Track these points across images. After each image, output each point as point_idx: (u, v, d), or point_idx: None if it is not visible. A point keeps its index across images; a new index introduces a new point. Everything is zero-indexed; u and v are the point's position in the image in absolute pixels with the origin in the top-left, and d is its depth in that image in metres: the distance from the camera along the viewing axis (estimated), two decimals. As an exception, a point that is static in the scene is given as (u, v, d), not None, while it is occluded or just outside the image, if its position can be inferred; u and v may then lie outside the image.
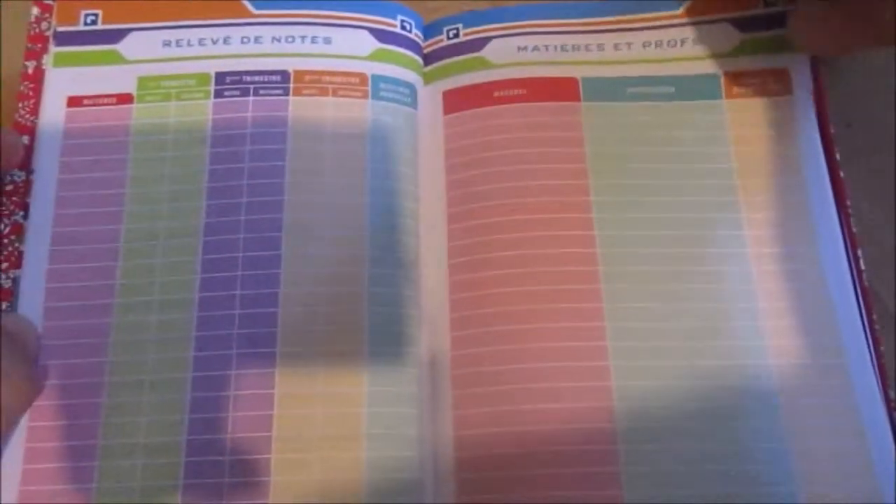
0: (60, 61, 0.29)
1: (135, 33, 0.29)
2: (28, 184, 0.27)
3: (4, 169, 0.27)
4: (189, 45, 0.29)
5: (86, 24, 0.29)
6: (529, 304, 0.26)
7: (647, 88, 0.29)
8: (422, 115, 0.29)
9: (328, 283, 0.27)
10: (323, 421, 0.25)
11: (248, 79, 0.29)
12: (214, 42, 0.29)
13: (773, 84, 0.29)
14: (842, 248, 0.27)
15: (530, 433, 0.25)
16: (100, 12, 0.29)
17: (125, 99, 0.29)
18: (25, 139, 0.28)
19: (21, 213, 0.27)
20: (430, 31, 0.31)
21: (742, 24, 0.29)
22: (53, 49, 0.29)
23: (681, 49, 0.29)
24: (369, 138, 0.28)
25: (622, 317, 0.26)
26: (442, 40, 0.30)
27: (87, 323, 0.26)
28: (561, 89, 0.29)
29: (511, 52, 0.30)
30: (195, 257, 0.27)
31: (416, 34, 0.30)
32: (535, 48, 0.30)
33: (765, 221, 0.27)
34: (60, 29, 0.29)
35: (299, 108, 0.28)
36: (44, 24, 0.29)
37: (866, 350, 0.26)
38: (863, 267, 0.27)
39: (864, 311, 0.26)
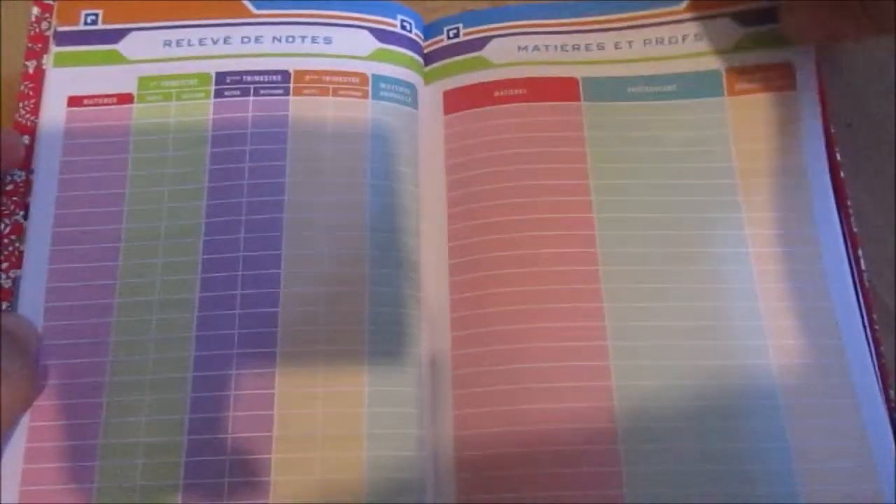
0: (61, 61, 0.29)
1: (135, 33, 0.29)
2: (28, 183, 0.27)
3: (5, 169, 0.27)
4: (189, 44, 0.29)
5: (86, 23, 0.29)
6: (530, 304, 0.26)
7: (648, 87, 0.29)
8: (422, 115, 0.29)
9: (328, 282, 0.27)
10: (323, 421, 0.25)
11: (249, 79, 0.29)
12: (215, 42, 0.29)
13: (776, 79, 0.28)
14: (843, 248, 0.27)
15: (531, 433, 0.25)
16: (100, 12, 0.29)
17: (125, 99, 0.29)
18: (26, 139, 0.28)
19: (21, 212, 0.27)
20: (430, 30, 0.31)
21: (743, 19, 0.29)
22: (54, 49, 0.29)
23: (682, 46, 0.29)
24: (370, 138, 0.28)
25: (623, 316, 0.26)
26: (442, 40, 0.30)
27: (87, 323, 0.26)
28: (561, 89, 0.29)
29: (511, 52, 0.30)
30: (195, 257, 0.27)
31: (416, 34, 0.30)
32: (536, 48, 0.30)
33: (766, 220, 0.27)
34: (61, 29, 0.29)
35: (300, 107, 0.28)
36: (44, 24, 0.29)
37: (867, 350, 0.25)
38: (863, 267, 0.27)
39: (864, 311, 0.26)
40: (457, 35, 0.30)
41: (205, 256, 0.27)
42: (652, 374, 0.25)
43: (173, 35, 0.29)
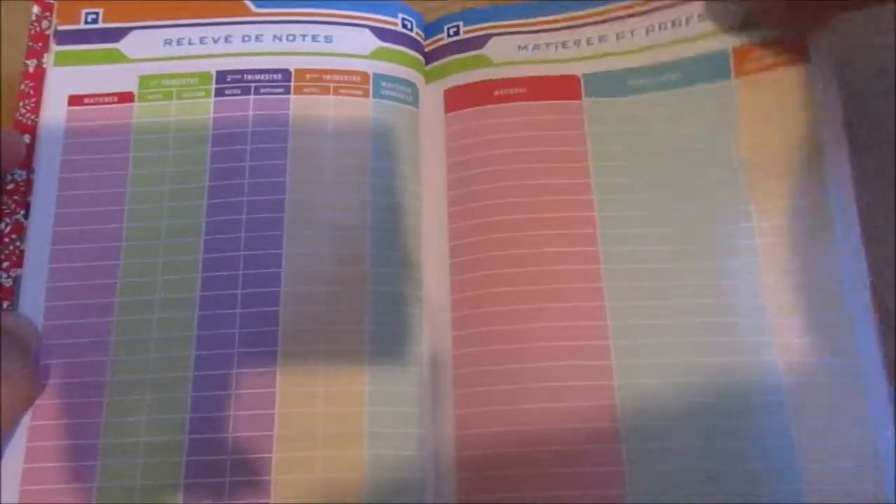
0: (61, 60, 0.29)
1: (136, 32, 0.29)
2: (29, 183, 0.27)
3: (5, 168, 0.27)
4: (190, 43, 0.29)
5: (87, 22, 0.29)
6: (531, 303, 0.26)
7: (652, 78, 0.28)
8: (423, 114, 0.29)
9: (329, 281, 0.27)
10: (324, 420, 0.25)
11: (249, 77, 0.29)
12: (215, 41, 0.29)
13: (787, 53, 0.27)
14: (860, 242, 0.25)
15: (532, 432, 0.25)
16: (101, 11, 0.29)
17: (126, 97, 0.29)
18: (26, 138, 0.28)
19: (22, 211, 0.27)
20: (431, 29, 0.31)
21: None
22: (54, 48, 0.29)
23: (685, 28, 0.28)
24: (370, 137, 0.28)
25: (624, 315, 0.26)
26: (443, 38, 0.30)
27: (88, 322, 0.26)
28: (562, 87, 0.29)
29: (511, 51, 0.29)
30: (196, 256, 0.27)
31: (417, 32, 0.30)
32: (536, 47, 0.30)
33: (775, 211, 0.26)
34: (61, 27, 0.29)
35: (300, 106, 0.28)
36: (44, 23, 0.29)
37: (879, 351, 0.24)
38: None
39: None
40: (457, 33, 0.30)
41: (205, 255, 0.27)
42: (654, 373, 0.25)
43: (174, 34, 0.29)
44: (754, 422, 0.24)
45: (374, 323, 0.26)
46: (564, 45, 0.29)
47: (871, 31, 0.31)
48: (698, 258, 0.26)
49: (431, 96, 0.30)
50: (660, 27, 0.29)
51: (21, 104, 0.28)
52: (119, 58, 0.29)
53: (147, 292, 0.26)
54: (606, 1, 0.29)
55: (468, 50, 0.30)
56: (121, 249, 0.27)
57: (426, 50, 0.31)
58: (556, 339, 0.26)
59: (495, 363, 0.26)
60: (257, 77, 0.29)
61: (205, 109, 0.28)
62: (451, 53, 0.30)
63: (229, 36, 0.29)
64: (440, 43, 0.30)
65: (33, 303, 0.26)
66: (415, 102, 0.29)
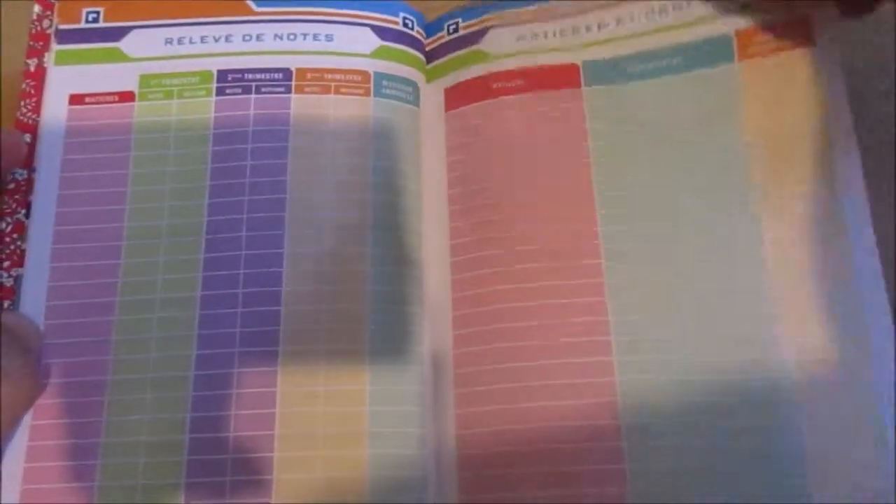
0: (62, 59, 0.29)
1: (136, 31, 0.29)
2: (30, 182, 0.27)
3: (6, 167, 0.27)
4: (191, 42, 0.29)
5: (87, 21, 0.29)
6: (532, 301, 0.26)
7: (653, 64, 0.28)
8: (424, 113, 0.29)
9: (330, 281, 0.26)
10: (325, 419, 0.25)
11: (250, 76, 0.29)
12: (216, 40, 0.29)
13: (793, 35, 0.26)
14: (871, 232, 0.24)
15: (533, 431, 0.25)
16: (101, 10, 0.29)
17: (127, 97, 0.28)
18: (27, 137, 0.28)
19: (23, 211, 0.27)
20: (432, 28, 0.31)
21: None
22: (55, 47, 0.29)
23: (687, 11, 0.28)
24: (372, 136, 0.28)
25: (626, 311, 0.26)
26: (443, 36, 0.30)
27: (89, 321, 0.26)
28: (561, 76, 0.28)
29: (510, 43, 0.29)
30: (197, 255, 0.27)
31: (418, 31, 0.30)
32: (535, 36, 0.29)
33: (783, 201, 0.25)
34: (62, 27, 0.29)
35: (301, 105, 0.28)
36: (45, 22, 0.29)
37: (893, 349, 0.24)
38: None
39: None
40: (456, 30, 0.30)
41: (206, 255, 0.27)
42: (656, 369, 0.25)
43: (175, 33, 0.29)
44: (761, 419, 0.24)
45: (374, 322, 0.26)
46: (563, 32, 0.29)
47: (871, 31, 0.31)
48: (702, 253, 0.26)
49: (432, 95, 0.30)
50: (660, 11, 0.28)
51: (22, 103, 0.28)
52: (120, 57, 0.29)
53: (148, 291, 0.26)
54: None
55: (466, 46, 0.30)
56: (122, 248, 0.27)
57: (427, 49, 0.31)
58: (557, 336, 0.26)
59: (496, 362, 0.26)
60: (258, 76, 0.29)
61: (206, 109, 0.28)
62: (451, 51, 0.30)
63: (230, 35, 0.29)
64: (441, 41, 0.30)
65: (34, 302, 0.26)
66: (416, 101, 0.29)
